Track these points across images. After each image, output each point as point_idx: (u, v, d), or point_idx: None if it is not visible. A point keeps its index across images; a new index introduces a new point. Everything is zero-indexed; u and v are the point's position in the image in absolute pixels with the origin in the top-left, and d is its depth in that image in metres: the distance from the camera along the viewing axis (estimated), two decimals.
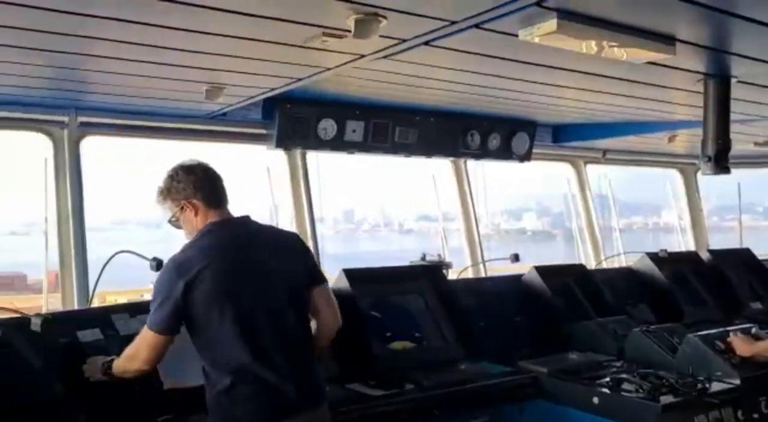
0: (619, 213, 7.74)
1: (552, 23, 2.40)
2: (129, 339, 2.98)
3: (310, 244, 4.81)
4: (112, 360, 2.68)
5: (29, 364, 2.71)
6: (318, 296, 2.72)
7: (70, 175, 4.04)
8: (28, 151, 4.27)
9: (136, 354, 2.57)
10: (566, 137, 5.51)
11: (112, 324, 3.03)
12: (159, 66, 3.06)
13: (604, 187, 7.00)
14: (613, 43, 2.57)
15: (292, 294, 2.63)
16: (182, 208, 2.65)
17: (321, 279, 2.78)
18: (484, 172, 5.77)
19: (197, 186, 2.63)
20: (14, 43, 2.65)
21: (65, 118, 3.95)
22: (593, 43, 2.56)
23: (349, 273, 3.68)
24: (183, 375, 2.99)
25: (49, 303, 4.67)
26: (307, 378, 2.61)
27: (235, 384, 2.49)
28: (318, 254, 4.86)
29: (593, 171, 6.52)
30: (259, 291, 2.55)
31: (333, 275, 3.98)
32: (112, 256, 3.50)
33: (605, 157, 6.25)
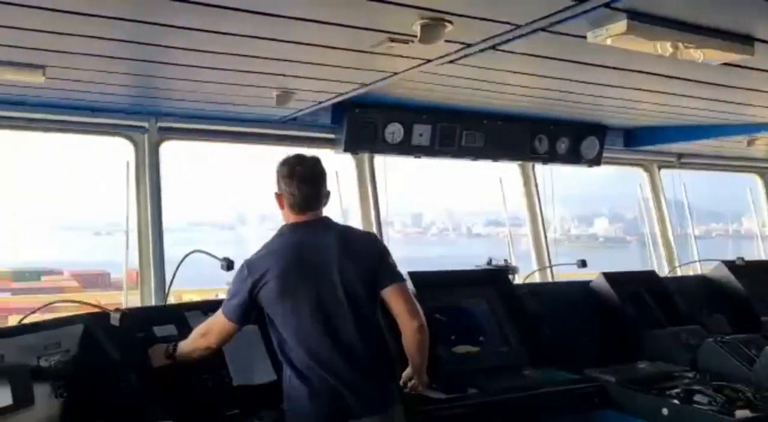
0: (697, 219, 7.46)
1: (622, 24, 2.36)
2: None
3: None
4: (176, 344, 2.87)
5: (109, 356, 2.85)
6: (392, 296, 2.69)
7: (149, 177, 4.22)
8: (112, 155, 4.49)
9: (207, 331, 2.78)
10: (639, 141, 5.37)
11: (185, 321, 3.15)
12: (232, 72, 3.18)
13: (681, 192, 6.75)
14: (689, 44, 2.50)
15: (360, 295, 2.65)
16: (277, 196, 2.79)
17: (395, 278, 2.73)
18: (552, 176, 5.66)
19: (287, 185, 2.72)
20: (100, 53, 2.81)
21: (145, 124, 4.15)
22: (668, 44, 2.49)
23: (414, 276, 3.69)
24: (251, 373, 3.10)
25: (129, 300, 4.88)
26: (370, 382, 2.62)
27: (300, 381, 2.60)
28: None
29: (668, 176, 6.31)
30: (320, 293, 2.62)
31: None
32: (186, 255, 3.64)
33: (680, 161, 6.05)
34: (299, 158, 2.76)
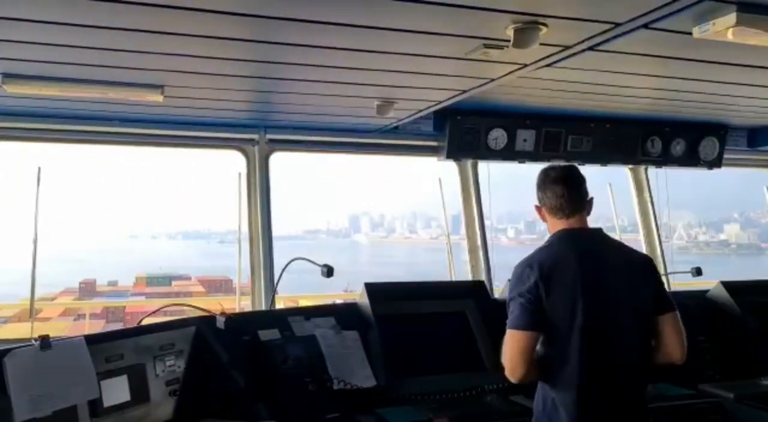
0: None
1: (731, 17, 2.21)
2: (303, 339, 3.22)
3: (480, 254, 4.83)
4: None
5: (217, 358, 3.01)
6: (664, 323, 2.56)
7: (260, 187, 4.42)
8: (227, 166, 4.72)
9: (504, 363, 2.52)
10: (764, 141, 4.99)
11: (288, 326, 3.26)
12: (335, 84, 3.27)
13: None
14: None
15: (637, 317, 2.52)
16: (538, 209, 2.74)
17: (670, 306, 2.60)
18: (667, 179, 5.37)
19: (545, 194, 2.67)
20: (213, 72, 2.98)
21: (255, 136, 4.35)
22: None
23: None
24: (351, 378, 3.16)
25: (242, 305, 5.11)
26: (636, 412, 2.54)
27: (558, 409, 2.47)
28: (489, 266, 4.85)
29: None
30: (600, 310, 2.48)
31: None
32: (288, 263, 3.76)
33: None
34: (551, 165, 2.75)
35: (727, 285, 4.05)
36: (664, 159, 4.82)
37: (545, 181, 2.67)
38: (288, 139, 4.46)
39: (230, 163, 4.48)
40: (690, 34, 2.37)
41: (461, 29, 2.46)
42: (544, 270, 2.47)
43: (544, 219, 2.70)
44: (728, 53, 2.79)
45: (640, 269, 2.63)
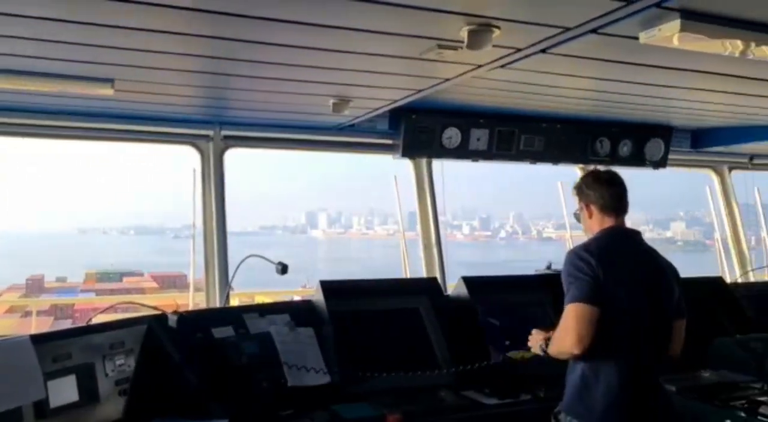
0: None
1: (675, 24, 2.30)
2: (258, 337, 3.22)
3: (434, 251, 4.89)
4: (549, 338, 2.80)
5: (169, 356, 2.98)
6: (678, 327, 2.85)
7: (214, 184, 4.38)
8: (182, 161, 4.67)
9: (565, 332, 2.61)
10: (707, 142, 5.18)
11: (243, 323, 3.25)
12: (291, 82, 3.27)
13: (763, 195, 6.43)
14: (761, 42, 2.41)
15: (665, 316, 2.77)
16: (582, 208, 2.91)
17: (684, 313, 2.88)
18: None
19: (598, 193, 2.84)
20: (166, 67, 2.95)
21: (210, 132, 4.31)
22: (739, 42, 2.41)
23: (468, 281, 3.70)
24: (305, 375, 3.17)
25: (197, 301, 5.07)
26: (665, 399, 2.77)
27: (599, 382, 2.62)
28: (442, 262, 4.91)
29: (744, 178, 6.05)
30: (645, 300, 2.69)
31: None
32: (243, 260, 3.75)
33: (752, 162, 5.79)
34: (596, 169, 3.00)
35: None
36: (612, 159, 4.94)
37: (599, 180, 2.87)
38: (243, 136, 4.43)
39: (186, 158, 4.43)
40: (637, 39, 2.45)
41: (416, 30, 2.49)
42: (601, 254, 2.65)
43: (589, 215, 2.86)
44: (672, 58, 2.87)
45: (672, 274, 2.86)
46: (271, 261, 3.40)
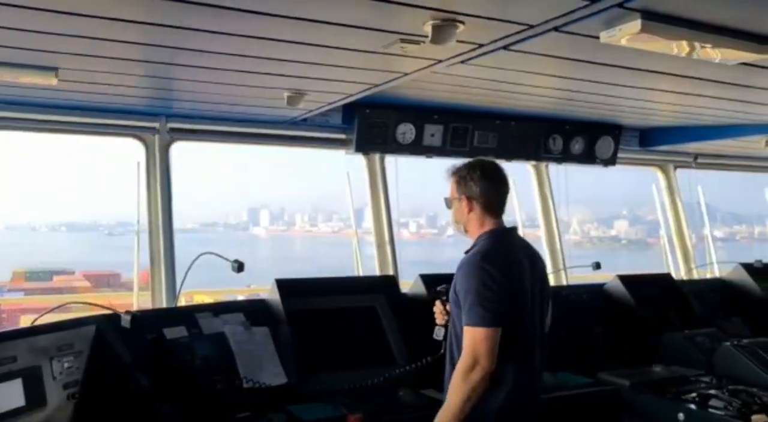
0: (721, 222, 7.36)
1: (636, 24, 2.32)
2: (211, 337, 3.12)
3: (387, 248, 4.86)
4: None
5: (119, 358, 2.85)
6: (548, 315, 2.86)
7: (160, 178, 4.23)
8: (126, 155, 4.51)
9: (475, 360, 2.49)
10: (654, 141, 5.32)
11: (196, 323, 3.15)
12: (243, 74, 3.17)
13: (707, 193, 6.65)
14: (705, 44, 2.46)
15: (545, 310, 2.78)
16: (460, 199, 2.75)
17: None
18: (567, 177, 5.62)
19: (482, 189, 2.70)
20: (112, 55, 2.81)
21: (156, 125, 4.16)
22: (685, 43, 2.45)
23: (426, 278, 3.70)
24: (261, 376, 3.09)
25: (140, 301, 4.90)
26: (539, 388, 2.76)
27: (500, 387, 2.55)
28: (396, 260, 4.88)
29: (692, 176, 6.25)
30: (532, 300, 2.67)
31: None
32: (197, 257, 3.63)
33: (696, 161, 5.98)
34: (482, 161, 2.84)
35: (623, 278, 4.29)
36: (564, 156, 5.02)
37: (484, 176, 2.72)
38: (191, 129, 4.30)
39: (121, 151, 4.27)
40: (597, 38, 2.47)
41: (380, 23, 2.45)
42: (501, 264, 2.57)
43: (469, 211, 2.73)
44: (626, 58, 2.92)
45: (543, 264, 2.89)
46: (226, 259, 3.30)
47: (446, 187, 2.89)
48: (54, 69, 2.97)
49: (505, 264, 2.59)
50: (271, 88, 3.47)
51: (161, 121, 4.14)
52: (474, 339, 2.49)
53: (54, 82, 3.05)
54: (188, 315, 3.21)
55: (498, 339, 2.49)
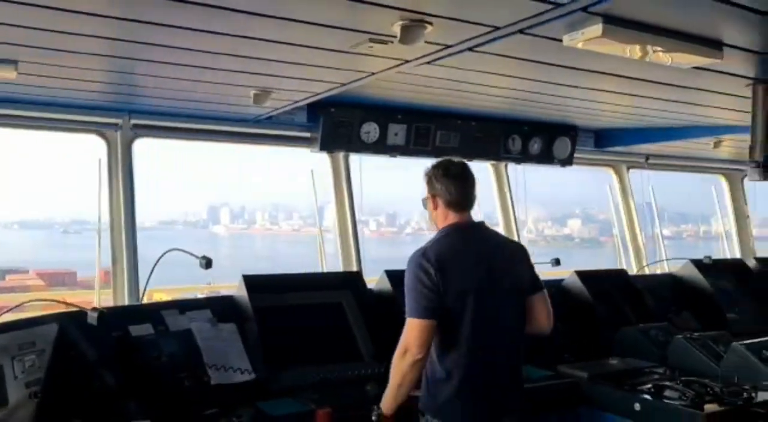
0: (669, 221, 7.60)
1: (597, 28, 2.41)
2: (178, 334, 3.11)
3: (351, 246, 4.89)
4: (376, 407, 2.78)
5: (84, 356, 2.82)
6: (536, 301, 2.89)
7: (122, 175, 4.18)
8: (83, 152, 4.43)
9: (406, 347, 2.64)
10: (608, 142, 5.47)
11: (162, 320, 3.13)
12: (209, 70, 3.16)
13: (656, 194, 6.87)
14: (658, 48, 2.57)
15: (517, 299, 2.83)
16: (429, 198, 2.89)
17: (541, 286, 2.94)
18: (525, 176, 5.75)
19: (444, 187, 2.82)
20: (74, 49, 2.77)
21: (119, 121, 4.10)
22: (638, 47, 2.56)
23: (390, 274, 3.74)
24: (229, 372, 3.09)
25: (101, 299, 4.82)
26: (515, 380, 2.82)
27: (451, 377, 2.67)
28: (359, 257, 4.92)
29: (641, 177, 6.44)
30: (489, 292, 2.72)
31: (375, 277, 4.05)
32: (164, 254, 3.61)
33: (648, 162, 6.18)
34: (448, 160, 2.93)
35: (580, 274, 4.41)
36: (523, 156, 5.13)
37: (448, 175, 2.84)
38: (154, 125, 4.25)
39: (80, 147, 4.19)
40: (560, 40, 2.55)
41: (349, 22, 2.47)
42: (440, 259, 2.68)
43: (434, 208, 2.87)
44: (584, 60, 3.01)
45: (517, 256, 2.93)
46: (195, 256, 3.29)
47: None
48: (14, 62, 2.91)
49: (446, 260, 2.69)
50: (237, 86, 3.46)
51: (124, 118, 4.09)
52: (406, 328, 2.66)
53: (13, 75, 2.99)
54: (154, 312, 3.19)
55: (429, 331, 2.63)
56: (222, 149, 4.85)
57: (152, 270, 3.63)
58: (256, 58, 2.94)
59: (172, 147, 4.61)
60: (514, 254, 2.92)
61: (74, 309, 2.95)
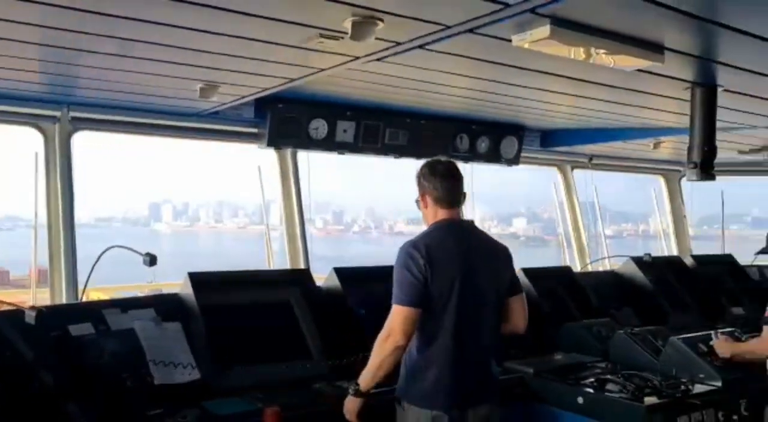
0: (611, 220, 7.79)
1: (545, 29, 2.45)
2: (120, 333, 3.02)
3: (299, 243, 4.85)
4: (355, 382, 2.85)
5: (22, 356, 2.72)
6: (514, 302, 3.02)
7: (60, 170, 4.04)
8: (15, 145, 4.26)
9: (390, 333, 2.74)
10: (554, 142, 5.57)
11: (103, 319, 3.04)
12: (154, 63, 3.08)
13: (599, 193, 7.04)
14: (602, 50, 2.63)
15: (497, 297, 2.95)
16: (420, 198, 3.01)
17: (519, 289, 3.08)
18: (473, 175, 5.80)
19: (433, 185, 2.93)
20: (9, 37, 2.66)
21: (57, 113, 3.97)
22: (582, 49, 2.61)
23: (340, 272, 3.72)
24: (173, 372, 3.02)
25: (37, 298, 4.66)
26: (488, 373, 2.94)
27: (430, 367, 2.78)
28: (307, 255, 4.89)
29: (586, 178, 6.58)
30: (471, 288, 2.83)
31: (323, 274, 4.03)
32: (105, 251, 3.51)
33: (592, 162, 6.32)
34: (436, 160, 3.04)
35: (526, 271, 4.48)
36: (471, 155, 5.18)
37: (434, 173, 2.96)
38: (95, 118, 4.12)
39: (11, 141, 4.03)
40: (509, 41, 2.58)
41: (300, 17, 2.45)
42: (429, 252, 2.79)
43: (425, 206, 2.99)
44: (532, 61, 3.05)
45: (501, 257, 3.05)
46: (138, 253, 3.20)
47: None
48: None
49: (435, 252, 2.79)
50: (183, 79, 3.38)
51: (63, 110, 3.95)
52: (392, 314, 2.77)
53: None
54: (95, 311, 3.09)
55: (413, 318, 2.74)
56: (165, 144, 4.72)
57: (92, 268, 3.52)
58: (203, 50, 2.88)
59: (110, 140, 4.47)
60: (497, 254, 3.03)
61: (10, 307, 2.83)
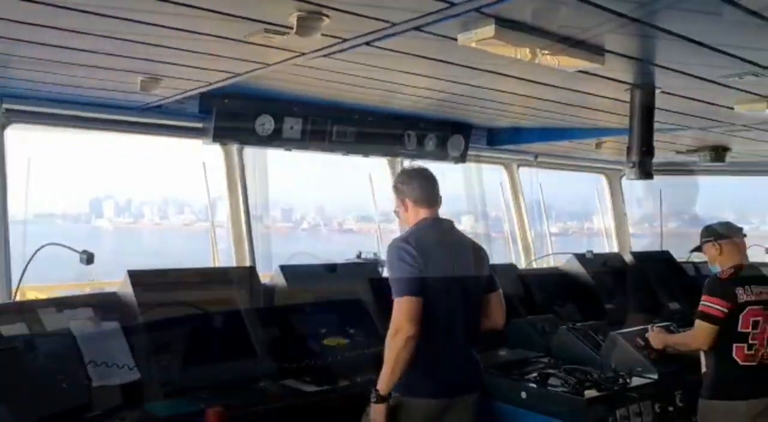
0: (557, 218, 7.93)
1: (490, 29, 2.47)
2: (56, 334, 2.93)
3: (245, 242, 4.79)
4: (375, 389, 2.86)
5: None
6: (492, 299, 3.17)
7: None
8: None
9: (398, 327, 2.78)
10: (500, 140, 5.65)
11: (38, 319, 2.94)
12: (91, 54, 2.98)
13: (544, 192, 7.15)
14: (546, 51, 2.68)
15: (473, 295, 3.07)
16: (399, 204, 3.13)
17: (496, 286, 3.21)
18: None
19: (411, 188, 3.07)
20: None
21: None
22: (527, 50, 2.65)
23: (286, 270, 3.69)
24: (112, 373, 2.95)
25: None
26: (474, 363, 3.10)
27: (419, 357, 2.81)
28: (254, 253, 4.83)
29: (532, 176, 6.68)
30: (457, 281, 2.96)
31: (269, 272, 3.99)
32: (39, 249, 3.39)
33: (537, 160, 6.43)
34: (410, 167, 3.27)
35: None
36: (419, 153, 5.19)
37: (411, 177, 3.13)
38: (30, 111, 3.96)
39: None
40: (454, 39, 2.60)
41: (244, 11, 2.41)
42: (419, 245, 2.91)
43: (405, 209, 3.10)
44: (478, 60, 3.08)
45: (478, 255, 3.17)
46: (74, 250, 3.10)
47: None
48: None
49: (425, 246, 2.91)
50: (123, 71, 3.29)
51: None
52: (396, 308, 2.83)
53: None
54: (29, 311, 2.99)
55: (418, 307, 2.81)
56: (106, 139, 4.58)
57: (26, 266, 3.39)
58: (144, 42, 2.81)
59: (46, 133, 4.30)
60: (476, 253, 3.15)
61: None
